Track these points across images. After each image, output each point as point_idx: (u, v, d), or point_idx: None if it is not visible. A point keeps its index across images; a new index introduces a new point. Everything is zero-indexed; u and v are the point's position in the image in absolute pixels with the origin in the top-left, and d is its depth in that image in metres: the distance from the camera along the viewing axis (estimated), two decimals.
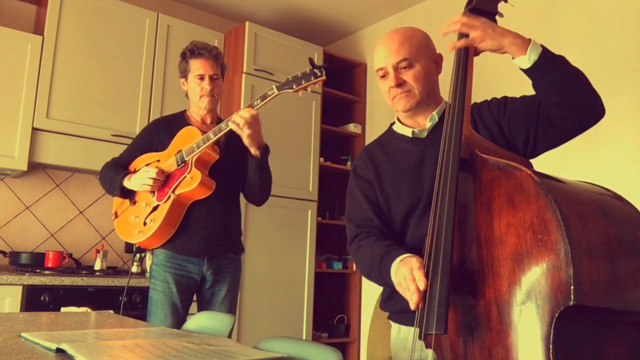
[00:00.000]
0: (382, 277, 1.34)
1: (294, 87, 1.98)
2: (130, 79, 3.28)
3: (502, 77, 3.07)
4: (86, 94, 3.13)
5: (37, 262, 2.96)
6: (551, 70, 1.24)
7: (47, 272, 2.83)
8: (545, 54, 1.24)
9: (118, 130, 3.16)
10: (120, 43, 3.28)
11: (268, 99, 2.03)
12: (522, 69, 1.27)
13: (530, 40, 1.25)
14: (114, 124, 3.18)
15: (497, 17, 1.39)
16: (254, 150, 2.11)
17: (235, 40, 3.64)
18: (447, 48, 1.39)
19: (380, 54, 1.46)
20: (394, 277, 1.27)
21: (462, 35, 1.31)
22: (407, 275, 1.16)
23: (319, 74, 1.94)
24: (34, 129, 2.93)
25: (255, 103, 2.05)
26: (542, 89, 1.28)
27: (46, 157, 2.96)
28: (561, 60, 1.26)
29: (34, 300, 2.61)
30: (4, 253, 3.04)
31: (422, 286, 1.10)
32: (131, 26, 3.33)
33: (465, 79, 1.29)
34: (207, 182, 2.11)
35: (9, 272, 2.77)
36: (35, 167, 3.14)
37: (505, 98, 1.44)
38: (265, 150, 2.17)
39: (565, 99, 1.26)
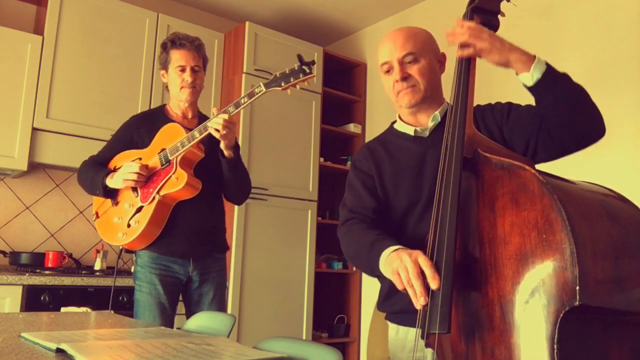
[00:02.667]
0: (370, 264, 1.30)
1: (282, 84, 1.94)
2: (130, 79, 3.28)
3: (505, 76, 3.07)
4: (86, 94, 3.13)
5: (37, 262, 2.96)
6: (553, 90, 1.23)
7: (47, 272, 2.83)
8: (549, 72, 1.23)
9: None
10: (120, 43, 3.28)
11: (255, 97, 1.98)
12: (525, 86, 1.27)
13: (535, 57, 1.25)
14: (114, 124, 3.14)
15: (499, 16, 1.39)
16: (227, 153, 2.07)
17: (235, 40, 3.63)
18: (450, 48, 1.38)
19: (385, 48, 1.46)
20: (386, 265, 1.22)
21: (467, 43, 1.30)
22: (412, 269, 1.09)
23: (307, 71, 1.90)
24: (34, 129, 2.93)
25: (242, 101, 1.99)
26: (544, 107, 1.27)
27: (46, 157, 2.96)
28: (564, 79, 1.25)
29: (34, 300, 2.61)
30: (4, 253, 3.04)
31: (434, 285, 1.04)
32: (131, 26, 3.33)
33: (468, 77, 1.29)
34: (193, 182, 2.06)
35: (9, 272, 2.77)
36: (35, 167, 3.14)
37: (509, 105, 1.44)
38: (236, 149, 2.12)
39: (565, 119, 1.26)
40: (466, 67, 1.30)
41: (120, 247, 2.20)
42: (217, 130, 1.97)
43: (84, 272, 2.96)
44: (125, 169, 2.09)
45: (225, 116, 1.98)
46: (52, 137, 2.98)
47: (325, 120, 3.91)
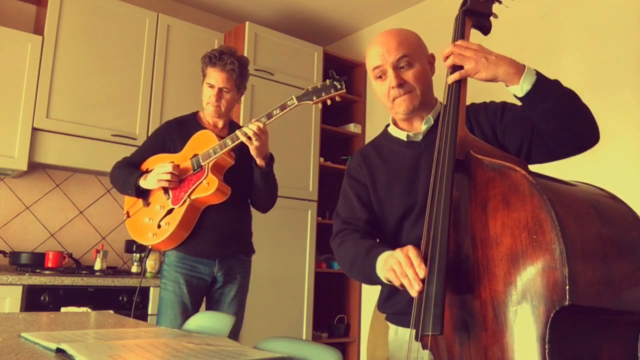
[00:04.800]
0: (366, 271, 1.31)
1: (314, 98, 1.99)
2: (130, 79, 3.29)
3: None
4: (86, 94, 3.13)
5: (37, 262, 2.96)
6: (544, 99, 1.21)
7: (47, 272, 2.84)
8: (539, 82, 1.21)
9: (118, 130, 3.17)
10: (120, 43, 3.28)
11: (287, 109, 2.05)
12: (515, 97, 1.25)
13: (524, 67, 1.22)
14: (114, 124, 3.18)
15: (491, 18, 1.38)
16: (259, 161, 2.15)
17: (235, 40, 3.64)
18: (438, 49, 1.37)
19: (376, 52, 1.41)
20: (383, 266, 1.24)
21: (456, 67, 1.28)
22: (403, 260, 1.12)
23: (339, 86, 1.95)
24: (34, 129, 2.94)
25: (275, 113, 2.06)
26: (536, 117, 1.25)
27: (46, 157, 2.96)
28: (555, 87, 1.23)
29: (34, 300, 2.61)
30: (4, 253, 3.05)
31: (422, 274, 1.07)
32: (131, 26, 3.33)
33: (460, 79, 1.28)
34: (223, 188, 2.14)
35: (9, 272, 2.78)
36: (35, 167, 3.14)
37: (503, 105, 1.42)
38: (270, 159, 2.20)
39: (558, 128, 1.24)
40: (459, 66, 1.29)
41: (149, 247, 2.28)
42: (249, 138, 2.04)
43: (84, 272, 2.96)
44: (159, 170, 2.16)
45: (260, 124, 2.05)
46: (52, 137, 2.98)
47: (325, 120, 3.92)
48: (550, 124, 1.24)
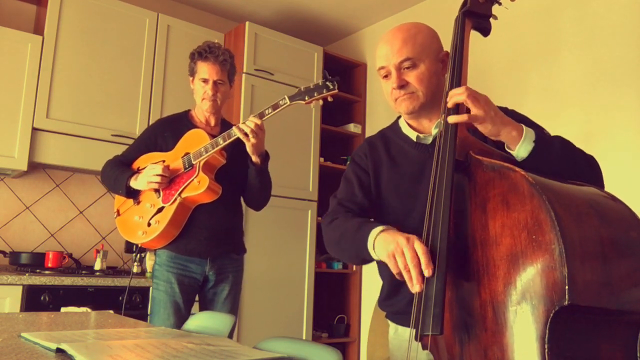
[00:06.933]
0: (356, 245, 1.26)
1: (306, 98, 2.00)
2: (130, 79, 3.29)
3: (501, 75, 3.07)
4: (86, 94, 3.13)
5: (37, 262, 2.97)
6: (546, 158, 1.19)
7: (47, 272, 2.84)
8: (536, 150, 1.18)
9: (118, 130, 3.17)
10: (120, 43, 3.28)
11: (280, 108, 2.05)
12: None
13: (523, 130, 1.19)
14: (114, 124, 3.18)
15: (491, 19, 1.37)
16: (255, 158, 2.15)
17: (235, 40, 3.64)
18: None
19: (382, 52, 1.39)
20: (380, 246, 1.19)
21: (457, 107, 1.21)
22: (409, 255, 1.08)
23: (331, 87, 1.96)
24: (34, 129, 2.94)
25: (267, 112, 2.06)
26: (541, 167, 1.20)
27: (46, 157, 2.97)
28: (555, 144, 1.21)
29: (34, 300, 2.61)
30: (4, 253, 3.05)
31: (427, 273, 1.05)
32: (131, 26, 3.33)
33: (460, 79, 1.27)
34: (214, 187, 2.14)
35: (9, 272, 2.78)
36: (35, 167, 3.14)
37: (523, 119, 1.34)
38: (265, 157, 2.20)
39: (564, 173, 1.20)
40: (458, 67, 1.28)
41: (139, 246, 2.27)
42: (246, 135, 2.04)
43: (84, 272, 2.96)
44: (149, 171, 2.15)
45: (258, 121, 2.05)
46: (52, 137, 2.98)
47: (325, 120, 3.91)
48: (555, 170, 1.19)
